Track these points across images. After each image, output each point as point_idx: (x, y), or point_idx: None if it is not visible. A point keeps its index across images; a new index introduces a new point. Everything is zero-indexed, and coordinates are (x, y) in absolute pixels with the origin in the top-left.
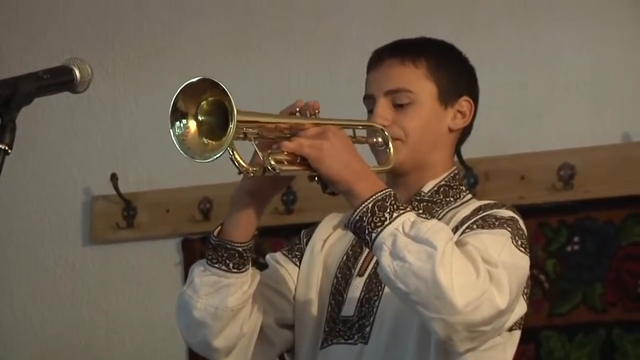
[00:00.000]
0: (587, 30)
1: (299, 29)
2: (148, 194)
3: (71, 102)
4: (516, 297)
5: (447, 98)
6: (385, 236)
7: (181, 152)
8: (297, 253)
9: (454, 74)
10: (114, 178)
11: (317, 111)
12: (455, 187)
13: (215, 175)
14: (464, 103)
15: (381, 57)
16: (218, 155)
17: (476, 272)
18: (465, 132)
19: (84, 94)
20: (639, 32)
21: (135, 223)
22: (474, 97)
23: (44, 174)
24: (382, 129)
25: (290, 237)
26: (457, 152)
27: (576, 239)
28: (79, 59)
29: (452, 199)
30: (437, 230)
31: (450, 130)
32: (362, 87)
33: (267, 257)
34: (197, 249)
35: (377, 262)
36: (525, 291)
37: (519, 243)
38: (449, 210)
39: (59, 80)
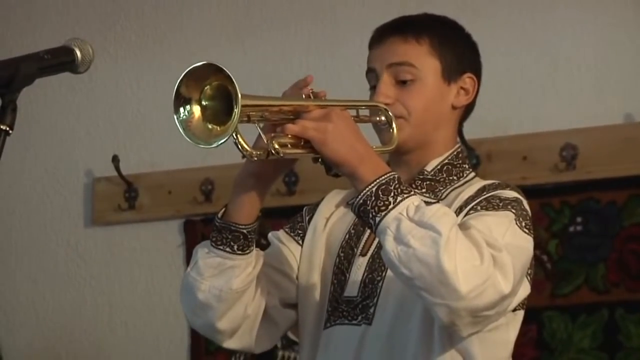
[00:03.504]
0: (589, 12)
1: (300, 11)
2: (150, 175)
3: (73, 83)
4: (520, 280)
5: (450, 74)
6: (390, 220)
7: (186, 138)
8: (300, 231)
9: (457, 50)
10: (115, 160)
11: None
12: (458, 165)
13: (217, 157)
14: (467, 79)
15: (383, 34)
16: (223, 141)
17: (480, 257)
18: (468, 109)
19: (86, 76)
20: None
21: (137, 205)
22: (477, 73)
23: (46, 156)
24: (385, 109)
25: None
26: (459, 130)
27: (579, 219)
28: (80, 40)
29: (455, 177)
30: (442, 215)
31: (454, 107)
32: (363, 69)
33: (270, 235)
34: (199, 231)
35: (380, 243)
36: (529, 272)
37: (523, 224)
38: (452, 190)
39: (60, 60)
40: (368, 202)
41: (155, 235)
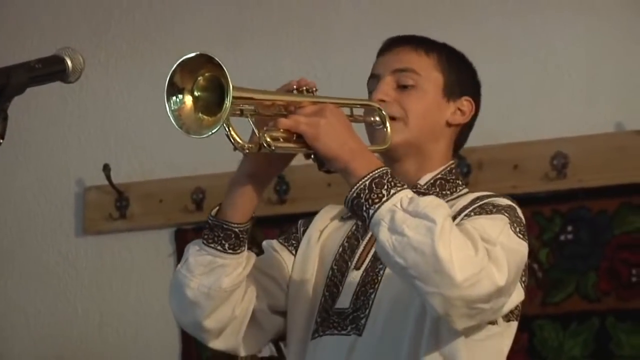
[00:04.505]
0: (580, 20)
1: (291, 20)
2: (141, 184)
3: (64, 92)
4: (514, 279)
5: (451, 92)
6: (384, 212)
7: (177, 127)
8: (294, 242)
9: (462, 73)
10: (106, 169)
11: (314, 89)
12: (451, 180)
13: (208, 166)
14: (465, 102)
15: (395, 43)
16: (214, 131)
17: (475, 249)
18: (463, 133)
19: (77, 85)
20: (631, 21)
21: (128, 214)
22: (476, 101)
23: (37, 165)
24: (379, 108)
25: (284, 226)
26: (455, 151)
27: (570, 228)
28: (71, 49)
29: (448, 192)
30: (436, 206)
31: (449, 124)
32: (355, 78)
33: (264, 243)
34: (190, 240)
35: (374, 256)
36: (523, 279)
37: (517, 230)
38: (445, 202)
39: (51, 69)
40: (362, 195)
41: (147, 244)
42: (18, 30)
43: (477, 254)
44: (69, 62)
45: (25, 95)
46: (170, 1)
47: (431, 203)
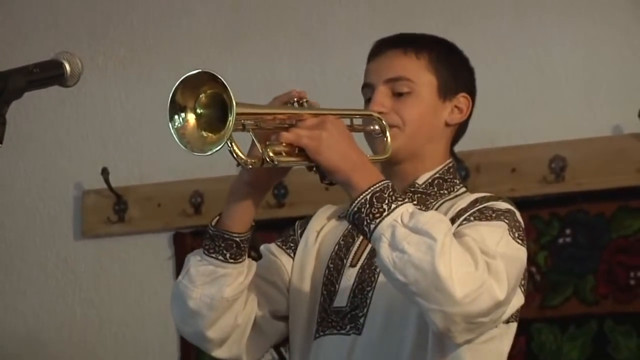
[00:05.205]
0: (578, 23)
1: (288, 23)
2: (139, 188)
3: (62, 96)
4: (514, 288)
5: (446, 92)
6: (384, 227)
7: (181, 146)
8: (292, 244)
9: (454, 69)
10: (105, 172)
11: (314, 102)
12: (449, 180)
13: (206, 170)
14: (461, 99)
15: (383, 47)
16: (217, 149)
17: (475, 264)
18: (460, 130)
19: (75, 89)
20: (629, 24)
21: (126, 217)
22: (472, 94)
23: (35, 169)
24: (379, 118)
25: (282, 230)
26: (451, 149)
27: (568, 231)
28: (69, 53)
29: (446, 191)
30: (436, 222)
31: (447, 124)
32: (352, 81)
33: (262, 248)
34: (188, 243)
35: (369, 253)
36: (522, 283)
37: (516, 235)
38: (443, 202)
39: (49, 74)
40: (362, 209)
41: (145, 248)
42: (16, 34)
43: (477, 269)
44: (67, 66)
45: (24, 100)
46: (167, 6)
47: (432, 219)
